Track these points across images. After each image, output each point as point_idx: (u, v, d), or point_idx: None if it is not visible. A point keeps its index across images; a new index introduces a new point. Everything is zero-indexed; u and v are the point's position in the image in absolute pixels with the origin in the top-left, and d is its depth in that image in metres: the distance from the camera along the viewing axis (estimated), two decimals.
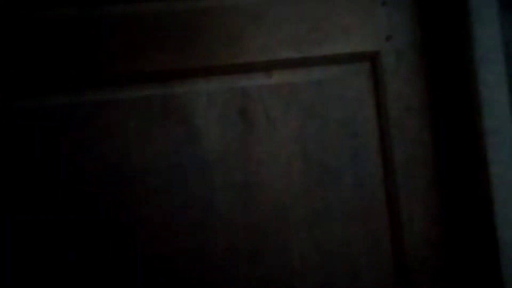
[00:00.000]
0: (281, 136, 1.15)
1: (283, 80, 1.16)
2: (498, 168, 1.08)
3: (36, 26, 1.07)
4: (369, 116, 1.18)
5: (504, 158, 1.08)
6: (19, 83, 1.07)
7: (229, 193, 1.13)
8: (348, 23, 1.16)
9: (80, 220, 1.08)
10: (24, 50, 1.06)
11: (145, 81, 1.12)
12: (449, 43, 1.15)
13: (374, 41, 1.17)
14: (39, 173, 1.07)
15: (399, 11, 1.18)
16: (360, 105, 1.18)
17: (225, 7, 1.13)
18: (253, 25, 1.14)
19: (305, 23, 1.15)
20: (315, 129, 1.16)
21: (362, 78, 1.19)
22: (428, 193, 1.17)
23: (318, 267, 1.15)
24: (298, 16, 1.15)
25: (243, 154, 1.14)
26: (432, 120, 1.18)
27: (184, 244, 1.11)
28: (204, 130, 1.13)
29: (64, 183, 1.08)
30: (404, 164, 1.17)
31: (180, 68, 1.11)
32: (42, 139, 1.08)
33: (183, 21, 1.11)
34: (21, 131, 1.07)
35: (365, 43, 1.17)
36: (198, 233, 1.11)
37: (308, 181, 1.15)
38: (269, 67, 1.15)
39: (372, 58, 1.18)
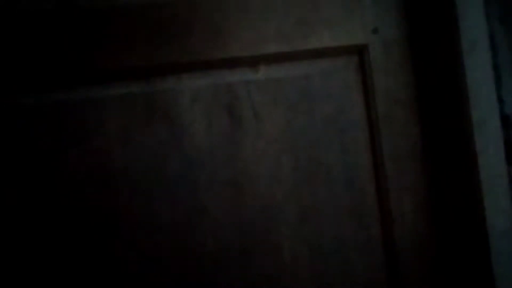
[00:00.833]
0: (269, 132, 1.13)
1: (270, 74, 1.14)
2: (486, 159, 1.09)
3: (6, 19, 1.02)
4: (357, 110, 1.17)
5: (491, 149, 1.09)
6: None
7: (216, 191, 1.10)
8: (335, 15, 1.15)
9: (60, 220, 1.04)
10: None
11: (126, 78, 1.08)
12: (436, 35, 1.15)
13: (361, 34, 1.16)
14: (14, 173, 1.02)
15: (385, 4, 1.17)
16: (349, 99, 1.17)
17: (209, 0, 1.10)
18: (238, 18, 1.11)
19: (292, 15, 1.13)
20: (303, 125, 1.14)
21: (350, 72, 1.17)
22: (418, 186, 1.17)
23: (310, 264, 1.13)
24: (283, 8, 1.12)
25: (230, 151, 1.12)
26: (420, 113, 1.18)
27: (171, 245, 1.08)
28: (189, 127, 1.10)
29: (40, 186, 1.03)
30: (394, 158, 1.16)
31: (163, 63, 1.07)
32: (15, 139, 1.03)
33: (166, 15, 1.07)
34: None
35: (352, 36, 1.16)
36: (185, 234, 1.08)
37: (297, 177, 1.14)
38: (255, 61, 1.13)
39: (360, 51, 1.17)
